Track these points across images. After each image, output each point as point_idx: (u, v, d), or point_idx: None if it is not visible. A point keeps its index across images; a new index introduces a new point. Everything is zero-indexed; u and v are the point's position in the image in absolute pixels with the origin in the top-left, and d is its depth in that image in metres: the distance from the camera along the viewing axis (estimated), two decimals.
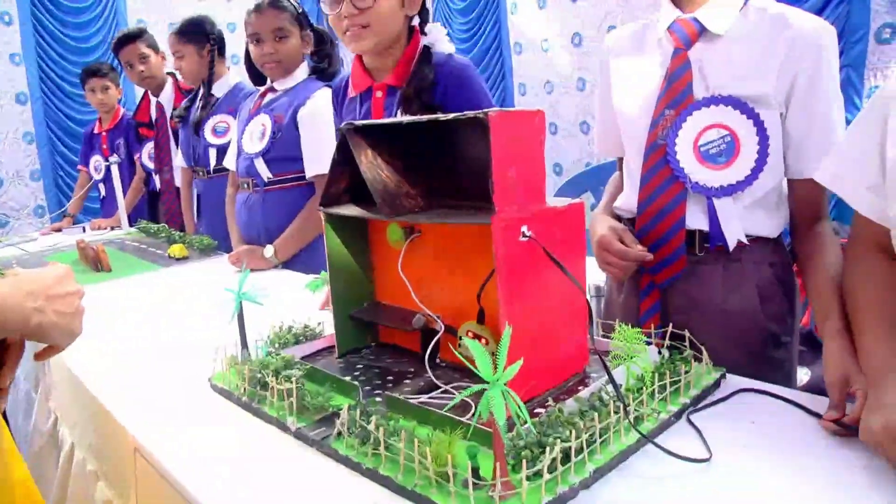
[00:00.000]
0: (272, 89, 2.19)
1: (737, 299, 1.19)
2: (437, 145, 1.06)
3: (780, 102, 1.12)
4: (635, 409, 0.86)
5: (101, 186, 3.48)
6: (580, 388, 0.98)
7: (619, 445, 0.82)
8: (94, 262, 2.26)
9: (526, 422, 0.68)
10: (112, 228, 3.23)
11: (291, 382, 0.96)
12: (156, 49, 2.94)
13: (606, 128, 1.37)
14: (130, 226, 3.17)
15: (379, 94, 1.54)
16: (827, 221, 1.18)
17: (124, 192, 3.13)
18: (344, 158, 1.08)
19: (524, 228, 0.89)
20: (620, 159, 1.42)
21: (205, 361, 1.18)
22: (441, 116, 0.89)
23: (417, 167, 1.07)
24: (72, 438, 1.37)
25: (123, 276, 2.16)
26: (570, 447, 0.74)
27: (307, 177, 2.12)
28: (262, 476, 0.86)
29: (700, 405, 0.95)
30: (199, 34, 2.57)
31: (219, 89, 2.59)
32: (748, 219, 1.16)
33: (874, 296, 0.92)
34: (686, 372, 0.96)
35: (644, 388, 0.90)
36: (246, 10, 2.06)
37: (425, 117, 0.93)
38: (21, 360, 0.81)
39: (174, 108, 2.77)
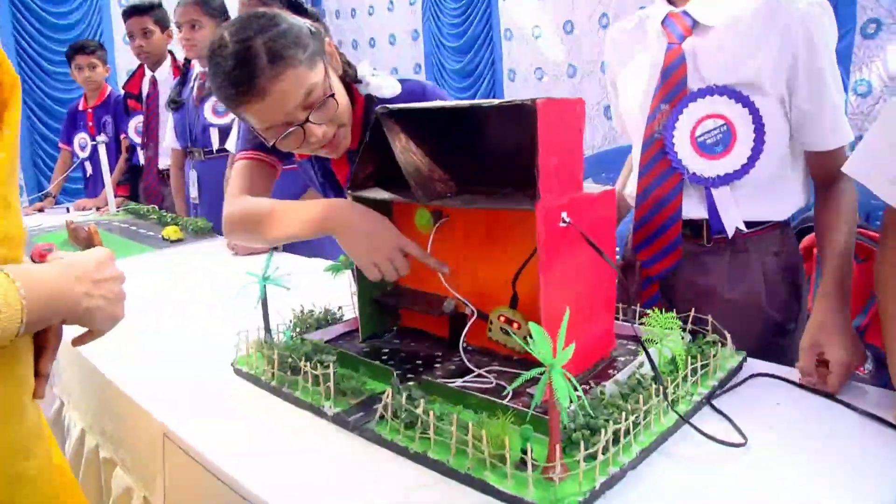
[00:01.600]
0: None
1: (742, 289, 1.21)
2: (466, 131, 1.06)
3: (776, 87, 1.14)
4: (672, 392, 0.88)
5: (87, 165, 3.41)
6: (611, 371, 1.00)
7: (660, 427, 0.84)
8: (87, 243, 2.22)
9: (581, 398, 0.69)
10: (98, 209, 3.17)
11: (327, 367, 0.96)
12: (164, 26, 2.87)
13: (617, 116, 1.43)
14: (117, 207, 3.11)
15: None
16: (844, 180, 1.17)
17: (111, 172, 3.08)
18: (374, 143, 1.07)
19: (564, 214, 0.89)
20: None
21: (221, 345, 1.17)
22: (484, 102, 0.89)
23: (446, 152, 1.07)
24: (82, 424, 1.35)
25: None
26: (619, 429, 0.76)
27: None
28: (303, 460, 0.86)
29: (724, 388, 0.98)
30: (218, 9, 2.52)
31: None
32: (751, 205, 1.18)
33: None
34: (714, 356, 0.98)
35: (678, 372, 0.92)
36: None
37: (466, 102, 0.93)
38: (60, 344, 0.80)
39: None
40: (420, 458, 0.81)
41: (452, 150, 1.07)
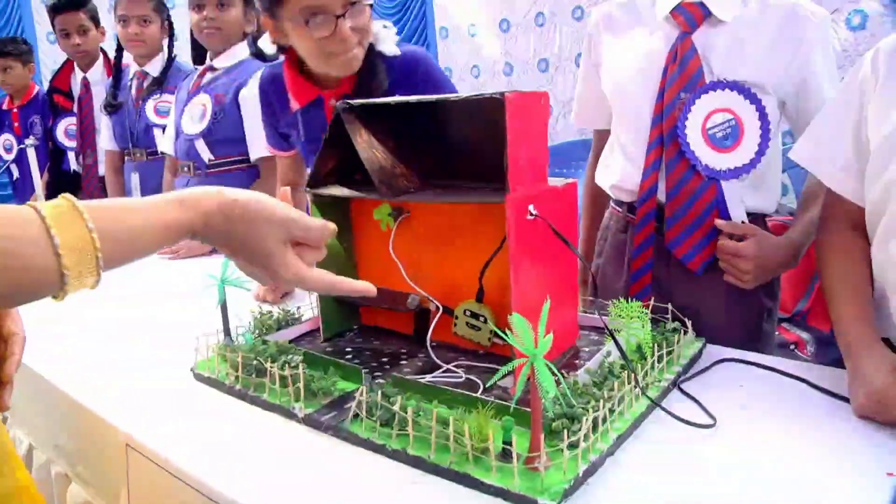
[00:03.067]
0: (211, 68, 2.11)
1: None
2: (427, 125, 1.06)
3: (778, 91, 1.19)
4: (642, 378, 0.90)
5: (14, 168, 3.23)
6: (577, 361, 1.01)
7: (633, 413, 0.85)
8: None
9: (560, 385, 0.70)
10: None
11: (296, 368, 0.94)
12: (97, 23, 2.74)
13: (589, 100, 1.42)
14: None
15: (333, 101, 1.37)
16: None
17: (41, 175, 2.93)
18: (334, 139, 1.06)
19: (531, 207, 0.90)
20: (597, 132, 1.47)
21: (177, 350, 1.14)
22: (451, 96, 0.89)
23: (407, 146, 1.07)
24: (29, 440, 1.29)
25: None
26: (597, 416, 0.77)
27: (252, 159, 2.07)
28: (276, 463, 0.84)
29: (689, 373, 1.01)
30: (163, 6, 2.43)
31: (154, 67, 2.46)
32: (749, 197, 1.22)
33: (845, 272, 0.99)
34: (677, 342, 1.01)
35: (647, 358, 0.94)
36: None
37: (433, 97, 0.93)
38: (24, 349, 0.75)
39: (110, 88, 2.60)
40: (398, 455, 0.80)
41: (413, 144, 1.06)
